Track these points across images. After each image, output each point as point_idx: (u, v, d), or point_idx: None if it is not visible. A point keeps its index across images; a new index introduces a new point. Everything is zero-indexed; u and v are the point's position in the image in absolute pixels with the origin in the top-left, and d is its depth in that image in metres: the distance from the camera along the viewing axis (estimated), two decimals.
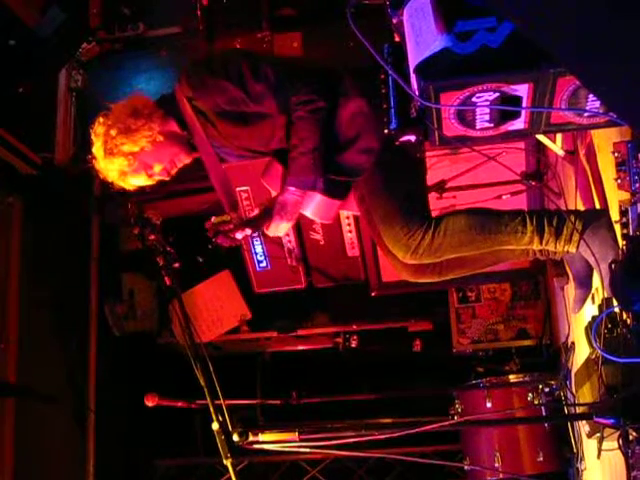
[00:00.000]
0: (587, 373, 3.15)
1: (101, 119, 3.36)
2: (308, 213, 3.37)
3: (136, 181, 3.42)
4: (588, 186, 3.50)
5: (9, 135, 4.82)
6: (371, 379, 5.92)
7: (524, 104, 2.37)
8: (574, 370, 4.15)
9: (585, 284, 3.28)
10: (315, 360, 6.02)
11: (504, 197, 4.65)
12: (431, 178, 4.48)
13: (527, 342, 5.46)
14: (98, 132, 3.34)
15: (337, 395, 4.62)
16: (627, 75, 1.55)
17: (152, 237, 3.03)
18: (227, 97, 3.22)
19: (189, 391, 3.11)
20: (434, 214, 3.32)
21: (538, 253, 3.31)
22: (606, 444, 2.98)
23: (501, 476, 4.78)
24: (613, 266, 2.81)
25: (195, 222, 3.52)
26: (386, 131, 2.76)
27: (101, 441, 5.52)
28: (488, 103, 2.36)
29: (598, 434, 3.00)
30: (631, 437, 2.64)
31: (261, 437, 2.81)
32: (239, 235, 3.34)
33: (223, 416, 2.80)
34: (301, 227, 5.19)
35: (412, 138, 2.74)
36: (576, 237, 3.08)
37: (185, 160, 3.46)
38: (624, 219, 2.71)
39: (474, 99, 2.34)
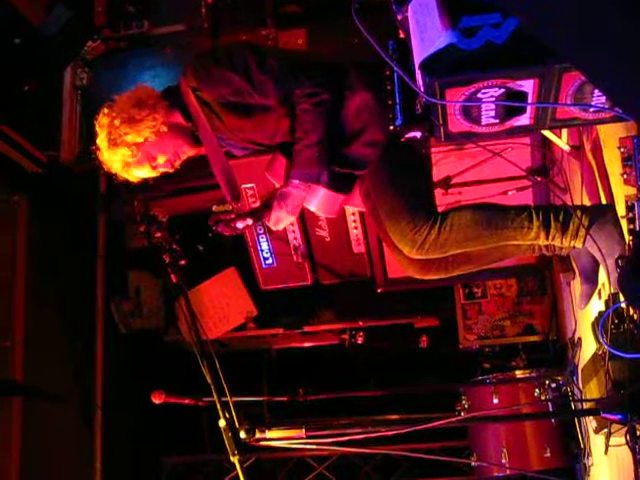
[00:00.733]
0: (594, 369, 3.15)
1: (105, 110, 3.35)
2: (312, 207, 3.37)
3: (140, 172, 3.41)
4: (594, 181, 3.49)
5: (15, 133, 4.83)
6: (377, 375, 5.93)
7: (530, 100, 2.37)
8: (581, 366, 4.14)
9: (591, 279, 3.27)
10: (321, 357, 6.03)
11: (510, 193, 4.64)
12: (437, 174, 4.48)
13: (533, 338, 5.46)
14: (102, 123, 3.33)
15: (343, 392, 4.63)
16: (633, 70, 1.55)
17: (158, 235, 3.03)
18: (232, 88, 3.22)
19: (196, 388, 3.11)
20: (440, 210, 3.32)
21: (544, 249, 3.30)
22: (613, 440, 2.98)
23: (508, 472, 4.78)
24: (619, 261, 2.81)
25: (201, 220, 3.52)
26: (392, 127, 2.76)
27: (108, 438, 5.53)
28: (493, 99, 2.36)
29: (605, 430, 3.00)
30: (638, 433, 2.65)
31: (268, 434, 2.81)
32: (240, 225, 3.33)
33: (230, 413, 2.80)
34: (307, 224, 5.19)
35: (418, 134, 2.73)
36: (582, 232, 3.07)
37: (189, 152, 3.45)
38: (630, 214, 2.71)
39: (479, 95, 2.34)
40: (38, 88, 4.69)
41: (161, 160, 3.39)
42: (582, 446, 4.46)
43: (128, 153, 3.31)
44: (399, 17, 2.57)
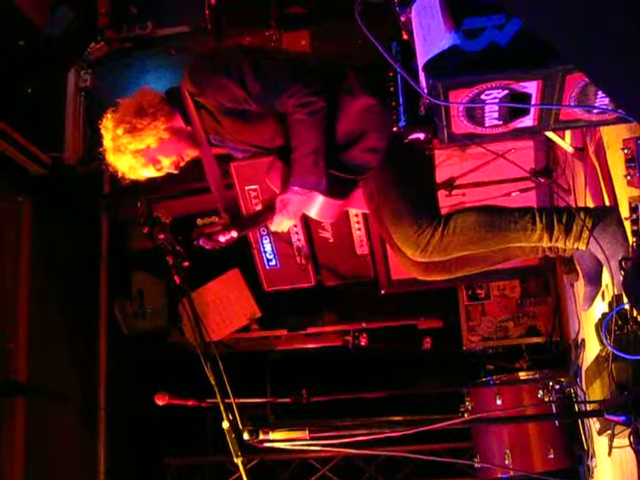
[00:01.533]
0: (597, 370, 3.14)
1: (109, 115, 3.41)
2: (311, 213, 3.39)
3: (146, 173, 3.48)
4: (597, 183, 3.49)
5: (18, 135, 4.83)
6: (381, 377, 5.92)
7: (533, 101, 2.37)
8: (584, 367, 4.14)
9: (595, 281, 3.27)
10: (325, 358, 6.02)
11: (513, 194, 4.64)
12: (440, 176, 4.48)
13: (537, 339, 5.46)
14: (107, 126, 3.39)
15: (347, 393, 4.61)
16: (636, 71, 1.55)
17: (161, 236, 3.03)
18: (229, 95, 3.24)
19: (199, 390, 3.11)
20: (443, 212, 3.32)
21: (548, 250, 3.30)
22: (617, 441, 2.98)
23: (512, 473, 4.78)
24: (623, 263, 2.80)
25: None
26: (395, 129, 2.75)
27: (112, 439, 5.53)
28: (497, 100, 2.36)
29: (609, 431, 3.00)
30: None
31: (271, 435, 2.81)
32: (222, 238, 3.32)
33: (233, 414, 2.80)
34: (310, 225, 5.19)
35: (421, 136, 2.74)
36: (586, 234, 3.07)
37: (192, 154, 3.50)
38: (634, 216, 2.71)
39: (483, 96, 2.34)
40: (41, 90, 4.70)
41: (165, 163, 3.45)
42: (585, 448, 4.46)
43: (133, 160, 3.39)
44: (402, 18, 2.57)
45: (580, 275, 3.39)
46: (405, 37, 2.71)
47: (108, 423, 5.52)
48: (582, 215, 3.10)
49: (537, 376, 4.79)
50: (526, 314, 5.48)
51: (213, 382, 2.84)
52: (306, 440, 2.81)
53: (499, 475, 4.87)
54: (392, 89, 2.77)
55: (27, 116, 4.86)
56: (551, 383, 4.64)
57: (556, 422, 4.64)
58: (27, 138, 4.92)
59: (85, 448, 5.43)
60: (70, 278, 5.50)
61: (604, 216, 3.07)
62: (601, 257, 3.04)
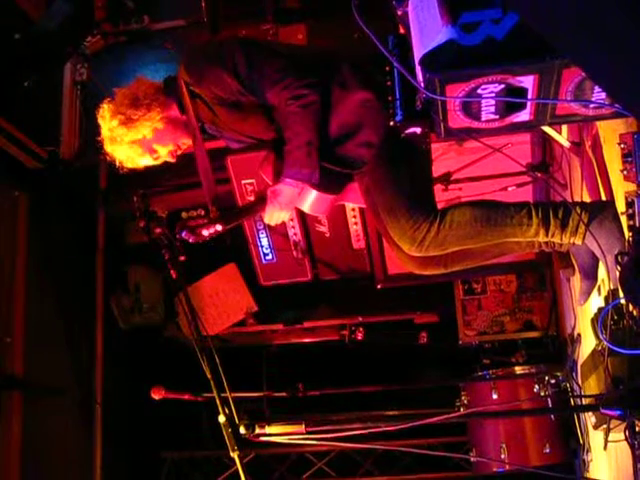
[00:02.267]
0: (593, 365, 3.14)
1: (105, 105, 3.43)
2: (304, 208, 3.38)
3: (143, 162, 3.50)
4: (594, 177, 3.49)
5: (14, 129, 4.83)
6: (377, 371, 5.92)
7: (529, 96, 2.37)
8: (580, 362, 4.14)
9: (591, 276, 3.28)
10: (321, 352, 6.02)
11: (510, 189, 4.64)
12: (436, 170, 4.48)
13: (533, 334, 5.46)
14: (103, 116, 3.42)
15: (343, 387, 4.62)
16: (632, 66, 1.55)
17: (158, 230, 3.04)
18: (223, 86, 3.24)
19: (195, 384, 3.11)
20: (440, 206, 3.31)
21: (544, 245, 3.30)
22: (612, 435, 2.99)
23: (507, 468, 4.79)
24: (619, 258, 2.81)
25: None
26: (392, 123, 2.75)
27: (108, 433, 5.53)
28: (493, 95, 2.36)
29: (604, 426, 3.00)
30: (637, 428, 2.65)
31: (268, 429, 2.82)
32: (205, 232, 3.28)
33: (230, 408, 2.80)
34: (306, 219, 5.19)
35: (418, 130, 2.73)
36: (582, 229, 3.07)
37: (188, 142, 3.51)
38: (630, 210, 2.70)
39: (479, 91, 2.34)
40: (38, 83, 4.69)
41: (162, 152, 3.48)
42: (581, 442, 4.47)
43: (129, 150, 3.42)
44: (399, 12, 2.57)
45: (576, 270, 3.39)
46: (402, 31, 2.71)
47: (105, 417, 5.52)
48: (578, 210, 3.10)
49: (533, 370, 4.81)
50: (522, 309, 5.49)
51: (209, 376, 2.84)
52: (302, 434, 2.81)
53: (495, 469, 4.89)
54: (389, 83, 2.77)
55: (23, 110, 4.85)
56: (547, 377, 4.66)
57: (552, 416, 4.65)
58: (23, 132, 4.91)
59: (82, 442, 5.42)
60: (66, 272, 5.49)
61: (600, 211, 3.07)
62: (597, 252, 3.05)
